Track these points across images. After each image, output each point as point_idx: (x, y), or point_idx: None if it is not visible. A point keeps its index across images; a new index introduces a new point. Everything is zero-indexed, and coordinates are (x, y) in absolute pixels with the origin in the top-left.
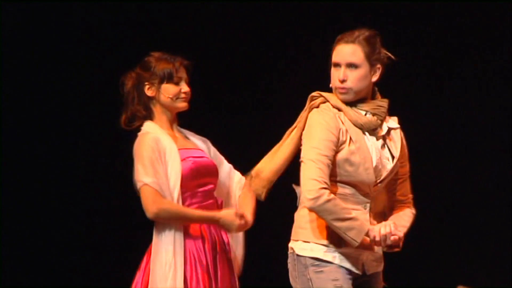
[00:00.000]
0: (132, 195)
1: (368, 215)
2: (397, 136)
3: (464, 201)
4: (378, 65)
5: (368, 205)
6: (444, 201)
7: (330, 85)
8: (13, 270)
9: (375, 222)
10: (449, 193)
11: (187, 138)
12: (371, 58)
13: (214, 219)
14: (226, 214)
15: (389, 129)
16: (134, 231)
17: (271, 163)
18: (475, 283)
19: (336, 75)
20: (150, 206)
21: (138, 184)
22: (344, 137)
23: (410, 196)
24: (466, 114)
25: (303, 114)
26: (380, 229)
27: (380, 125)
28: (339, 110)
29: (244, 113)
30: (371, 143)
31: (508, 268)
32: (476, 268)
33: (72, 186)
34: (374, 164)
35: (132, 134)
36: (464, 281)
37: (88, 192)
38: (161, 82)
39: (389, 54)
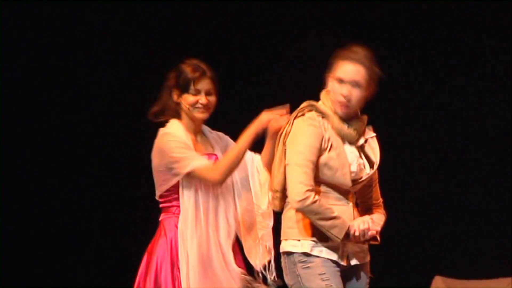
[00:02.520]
0: (132, 196)
1: (351, 209)
2: (375, 144)
3: (441, 197)
4: (372, 83)
5: (350, 200)
6: (423, 199)
7: (331, 98)
8: (13, 270)
9: (358, 215)
10: (429, 192)
11: (207, 141)
12: (371, 80)
13: (252, 132)
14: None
15: (366, 140)
16: (134, 232)
17: (277, 177)
18: (453, 273)
19: (339, 90)
20: (212, 177)
21: (186, 170)
22: (326, 144)
23: (381, 200)
24: (449, 111)
25: (290, 120)
26: (359, 225)
27: (359, 138)
28: (324, 117)
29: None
30: (351, 150)
31: (487, 259)
32: (455, 259)
33: (71, 187)
34: (354, 169)
35: (131, 136)
36: (442, 271)
37: (88, 193)
38: (182, 91)
39: (380, 73)
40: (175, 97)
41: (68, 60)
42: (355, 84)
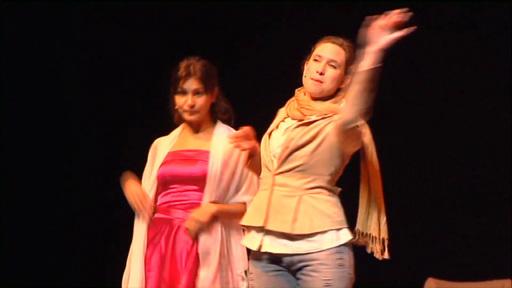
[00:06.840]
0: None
1: (268, 193)
2: (307, 126)
3: (434, 199)
4: (349, 76)
5: (271, 185)
6: (415, 200)
7: (304, 76)
8: (13, 270)
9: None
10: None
11: (206, 139)
12: (348, 66)
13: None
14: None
15: (305, 121)
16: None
17: None
18: (446, 275)
19: (315, 67)
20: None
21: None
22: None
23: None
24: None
25: None
26: None
27: (302, 118)
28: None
29: None
30: (285, 127)
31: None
32: (448, 261)
33: (71, 188)
34: (277, 149)
35: (129, 136)
36: (435, 273)
37: (87, 194)
38: (174, 91)
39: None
40: (172, 97)
41: (67, 60)
42: (331, 62)
